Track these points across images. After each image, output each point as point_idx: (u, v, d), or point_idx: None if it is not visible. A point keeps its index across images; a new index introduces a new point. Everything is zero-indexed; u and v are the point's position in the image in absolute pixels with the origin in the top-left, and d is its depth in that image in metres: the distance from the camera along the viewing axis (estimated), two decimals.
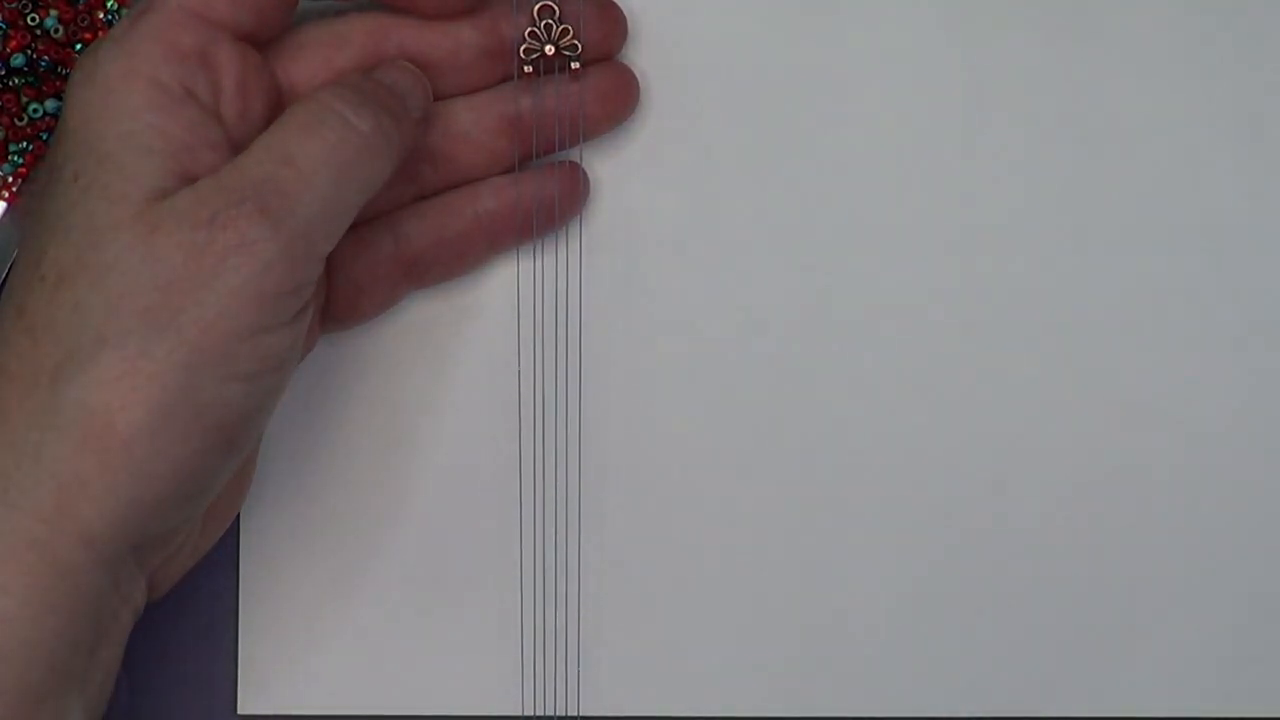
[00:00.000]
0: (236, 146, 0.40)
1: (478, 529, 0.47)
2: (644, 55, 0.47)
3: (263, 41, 0.42)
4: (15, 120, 0.45)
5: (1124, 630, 0.47)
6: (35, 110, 0.45)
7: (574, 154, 0.46)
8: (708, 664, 0.47)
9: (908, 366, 0.47)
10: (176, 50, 0.40)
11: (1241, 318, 0.47)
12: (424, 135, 0.44)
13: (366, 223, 0.45)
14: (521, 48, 0.45)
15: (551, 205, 0.46)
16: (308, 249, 0.39)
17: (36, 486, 0.38)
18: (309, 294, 0.40)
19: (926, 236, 0.47)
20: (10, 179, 0.45)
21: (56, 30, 0.45)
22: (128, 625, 0.40)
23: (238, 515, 0.45)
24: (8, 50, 0.45)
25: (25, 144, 0.45)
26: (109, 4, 0.45)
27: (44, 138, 0.45)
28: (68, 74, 0.45)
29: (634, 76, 0.46)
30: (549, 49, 0.45)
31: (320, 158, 0.40)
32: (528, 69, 0.45)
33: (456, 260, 0.46)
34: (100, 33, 0.45)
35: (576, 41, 0.45)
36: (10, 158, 0.45)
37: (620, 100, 0.46)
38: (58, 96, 0.45)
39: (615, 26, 0.46)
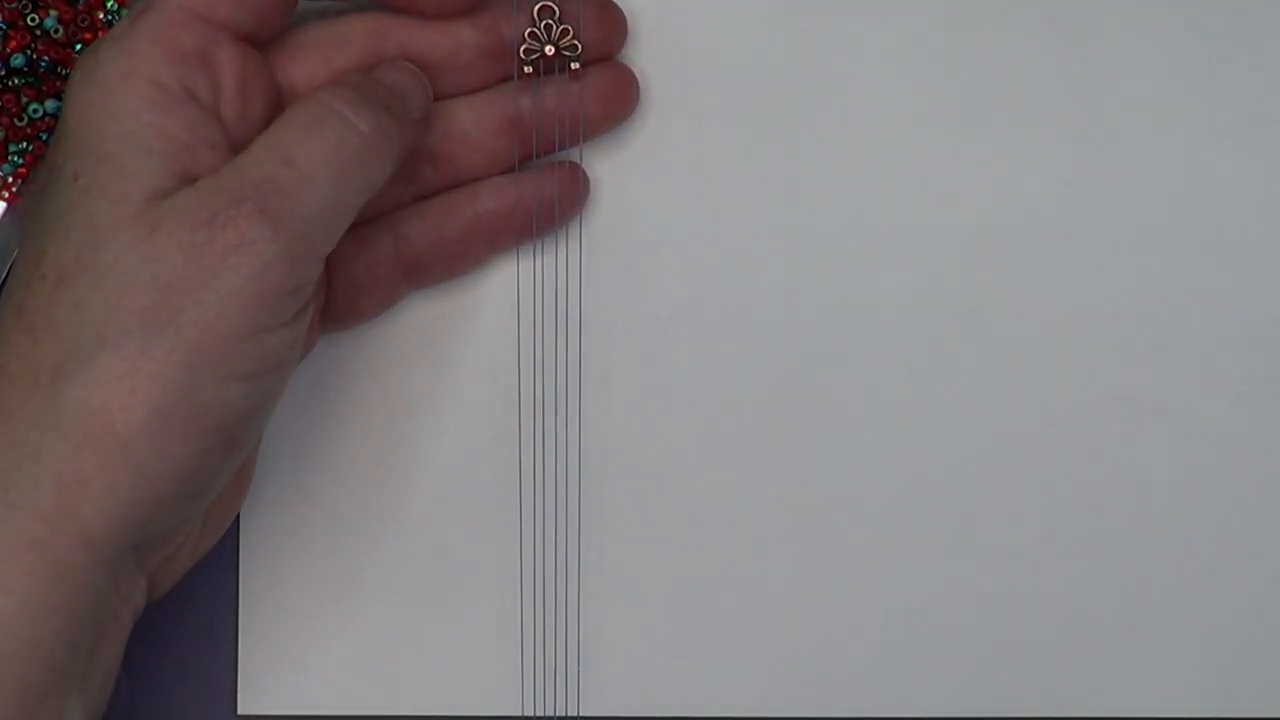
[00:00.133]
0: (236, 146, 0.40)
1: (478, 529, 0.47)
2: (644, 55, 0.47)
3: (263, 41, 0.42)
4: (15, 120, 0.45)
5: (1124, 631, 0.47)
6: (35, 110, 0.45)
7: (574, 154, 0.46)
8: (708, 664, 0.47)
9: (908, 366, 0.47)
10: (176, 50, 0.40)
11: (1242, 318, 0.47)
12: (424, 135, 0.44)
13: (366, 223, 0.45)
14: (521, 48, 0.45)
15: (551, 205, 0.46)
16: (308, 249, 0.39)
17: (36, 486, 0.38)
18: (309, 294, 0.40)
19: (926, 236, 0.47)
20: (10, 179, 0.45)
21: (56, 30, 0.45)
22: (128, 625, 0.40)
23: (238, 515, 0.45)
24: (8, 50, 0.45)
25: (25, 144, 0.45)
26: (109, 4, 0.45)
27: (44, 138, 0.45)
28: (68, 74, 0.45)
29: (634, 76, 0.46)
30: (549, 49, 0.45)
31: (320, 158, 0.40)
32: (528, 69, 0.45)
33: (456, 260, 0.46)
34: (100, 33, 0.45)
35: (576, 41, 0.45)
36: (10, 158, 0.45)
37: (620, 100, 0.46)
38: (58, 96, 0.45)
39: (615, 26, 0.46)
